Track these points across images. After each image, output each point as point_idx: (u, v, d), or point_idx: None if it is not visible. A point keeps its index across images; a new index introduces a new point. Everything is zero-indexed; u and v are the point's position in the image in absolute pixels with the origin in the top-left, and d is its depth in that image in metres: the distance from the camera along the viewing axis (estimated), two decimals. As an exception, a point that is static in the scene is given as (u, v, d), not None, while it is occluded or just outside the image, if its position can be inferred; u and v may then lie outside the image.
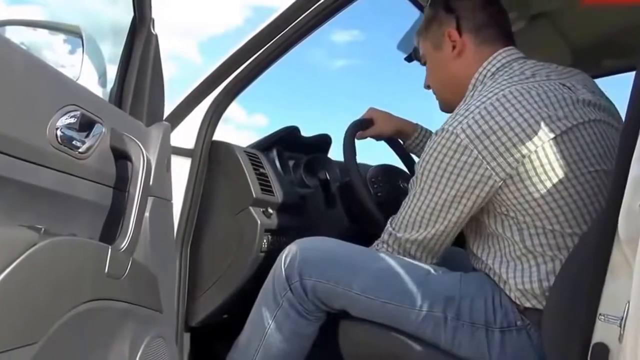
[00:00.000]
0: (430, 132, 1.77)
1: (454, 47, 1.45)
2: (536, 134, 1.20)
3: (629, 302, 0.85)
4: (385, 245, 1.40)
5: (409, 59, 1.58)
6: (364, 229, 1.67)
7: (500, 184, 1.22)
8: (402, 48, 1.96)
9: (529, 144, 1.20)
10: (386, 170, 1.71)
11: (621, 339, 0.88)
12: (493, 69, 1.38)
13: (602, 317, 0.94)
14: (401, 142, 1.81)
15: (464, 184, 1.24)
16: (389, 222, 1.41)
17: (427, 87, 1.58)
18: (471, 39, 1.44)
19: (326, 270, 1.35)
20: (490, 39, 1.43)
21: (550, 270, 1.22)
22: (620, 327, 0.89)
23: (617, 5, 1.48)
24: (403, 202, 1.37)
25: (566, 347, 1.05)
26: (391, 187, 1.65)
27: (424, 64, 1.57)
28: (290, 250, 1.40)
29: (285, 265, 1.38)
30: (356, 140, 1.65)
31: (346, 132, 1.62)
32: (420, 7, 1.83)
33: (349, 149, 1.59)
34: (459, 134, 1.23)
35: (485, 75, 1.39)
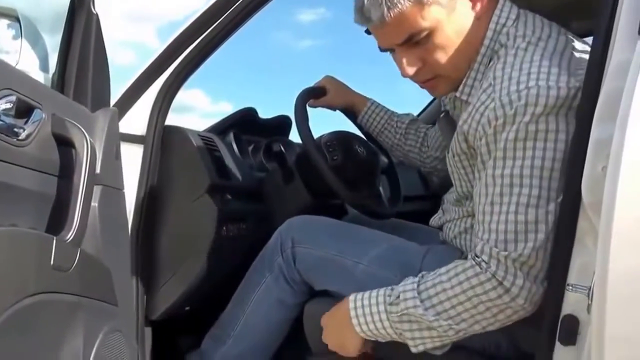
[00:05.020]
0: (383, 107, 1.70)
1: (473, 5, 1.16)
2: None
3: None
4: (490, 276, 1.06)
5: (368, 31, 1.46)
6: (324, 201, 1.65)
7: None
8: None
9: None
10: (341, 134, 1.66)
11: (589, 309, 0.87)
12: (510, 23, 1.16)
13: (571, 288, 0.94)
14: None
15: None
16: (480, 246, 1.08)
17: (415, 73, 1.20)
18: None
19: (315, 238, 1.39)
20: None
21: None
22: (589, 297, 0.88)
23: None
24: (487, 209, 1.09)
25: (535, 319, 1.04)
26: (347, 151, 1.60)
27: (416, 42, 1.16)
28: (286, 224, 1.44)
29: (280, 235, 1.42)
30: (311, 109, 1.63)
31: (297, 97, 1.57)
32: None
33: (301, 113, 1.54)
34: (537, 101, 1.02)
35: (499, 33, 1.16)
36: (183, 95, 1.53)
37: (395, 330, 1.14)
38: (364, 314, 1.17)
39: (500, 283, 1.04)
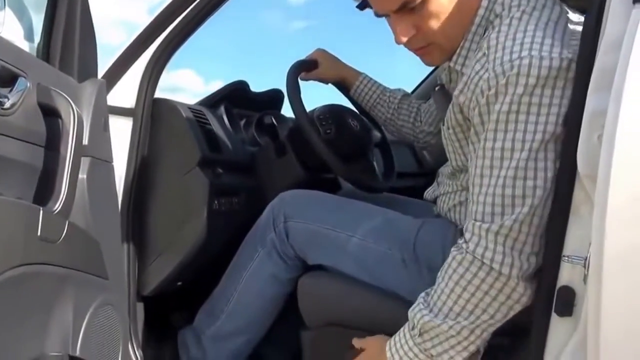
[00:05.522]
0: (375, 82, 1.68)
1: None
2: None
3: (592, 241, 0.83)
4: (473, 253, 1.05)
5: (361, 6, 1.40)
6: (317, 175, 1.63)
7: None
8: None
9: None
10: (334, 108, 1.63)
11: (586, 280, 0.87)
12: None
13: (567, 259, 0.93)
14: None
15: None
16: (467, 221, 1.09)
17: (409, 41, 1.17)
18: None
19: (308, 212, 1.39)
20: None
21: None
22: (585, 267, 0.88)
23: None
24: (476, 181, 1.07)
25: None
26: (340, 125, 1.58)
27: (411, 9, 1.12)
28: (278, 198, 1.44)
29: (273, 210, 1.42)
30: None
31: (289, 70, 1.54)
32: None
33: (292, 86, 1.51)
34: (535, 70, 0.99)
35: (495, 2, 1.13)
36: (174, 76, 1.51)
37: (426, 354, 1.10)
38: (397, 351, 1.13)
39: (482, 261, 1.02)
